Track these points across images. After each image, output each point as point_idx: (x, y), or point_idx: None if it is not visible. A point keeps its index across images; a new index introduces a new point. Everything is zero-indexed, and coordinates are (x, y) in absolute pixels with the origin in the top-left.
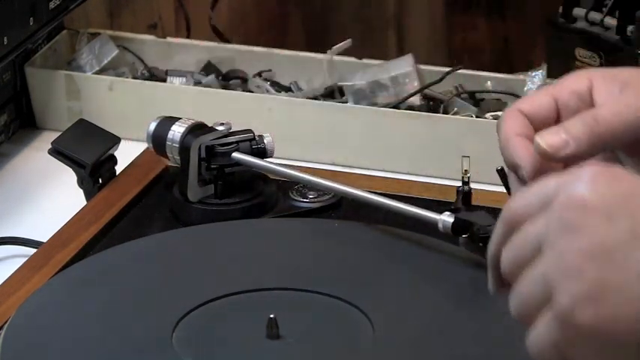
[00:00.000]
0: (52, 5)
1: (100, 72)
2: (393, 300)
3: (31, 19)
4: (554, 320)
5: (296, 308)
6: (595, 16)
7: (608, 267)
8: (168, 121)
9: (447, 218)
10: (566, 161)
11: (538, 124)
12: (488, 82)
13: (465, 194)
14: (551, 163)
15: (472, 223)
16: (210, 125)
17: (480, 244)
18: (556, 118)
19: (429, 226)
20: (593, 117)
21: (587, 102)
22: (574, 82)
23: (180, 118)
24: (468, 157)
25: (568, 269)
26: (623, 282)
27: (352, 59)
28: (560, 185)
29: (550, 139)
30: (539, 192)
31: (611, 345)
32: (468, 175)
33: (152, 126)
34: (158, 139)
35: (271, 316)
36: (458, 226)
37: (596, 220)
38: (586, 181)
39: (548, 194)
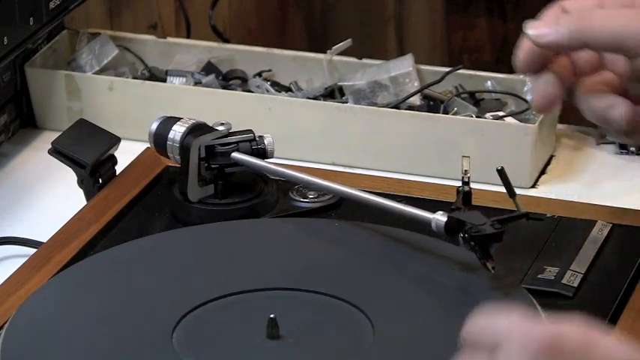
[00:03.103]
0: (52, 5)
1: (100, 72)
2: (393, 300)
3: (31, 19)
4: None
5: (296, 308)
6: None
7: None
8: (169, 121)
9: (440, 217)
10: (553, 50)
11: None
12: (488, 82)
13: (465, 194)
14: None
15: (464, 222)
16: (210, 125)
17: (472, 243)
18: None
19: (429, 227)
20: (586, 13)
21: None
22: None
23: (182, 118)
24: (468, 157)
25: None
26: None
27: (352, 59)
28: (508, 336)
29: (539, 26)
30: (490, 330)
31: None
32: (468, 175)
33: (154, 125)
34: (159, 139)
35: (271, 316)
36: (451, 226)
37: None
38: (530, 353)
39: (497, 337)
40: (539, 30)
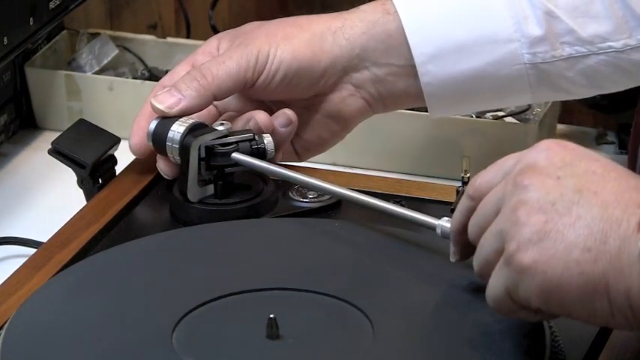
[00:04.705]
0: (52, 5)
1: (100, 72)
2: (393, 300)
3: (31, 19)
4: (503, 265)
5: (296, 308)
6: None
7: (552, 215)
8: (168, 121)
9: (445, 224)
10: (183, 114)
11: None
12: None
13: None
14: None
15: None
16: (210, 125)
17: None
18: None
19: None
20: (201, 72)
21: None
22: (206, 44)
23: (180, 117)
24: (468, 157)
25: (517, 219)
26: (563, 228)
27: None
28: (518, 159)
29: (164, 99)
30: (500, 168)
31: (549, 286)
32: (468, 175)
33: (152, 125)
34: (158, 139)
35: (271, 316)
36: None
37: (545, 179)
38: (540, 150)
39: (507, 169)
40: (167, 101)
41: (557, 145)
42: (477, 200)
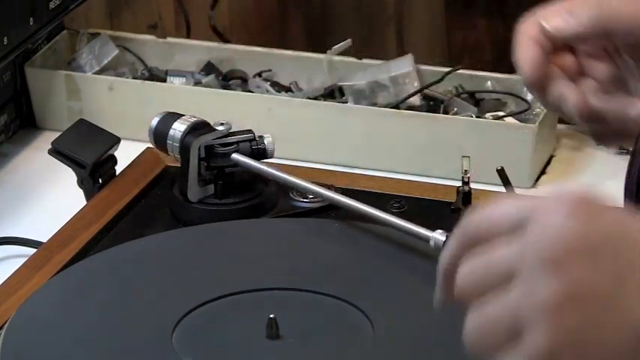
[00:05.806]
0: (52, 5)
1: (100, 72)
2: (393, 300)
3: (31, 19)
4: (520, 357)
5: (296, 308)
6: None
7: (590, 315)
8: (170, 118)
9: (439, 236)
10: (570, 42)
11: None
12: (488, 82)
13: (465, 194)
14: (550, 63)
15: None
16: (210, 124)
17: None
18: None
19: (430, 226)
20: (599, 3)
21: None
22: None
23: (182, 115)
24: (468, 157)
25: (546, 311)
26: (604, 334)
27: (352, 59)
28: (534, 211)
29: (554, 20)
30: (509, 212)
31: None
32: (468, 175)
33: (154, 122)
34: (159, 137)
35: (271, 316)
36: None
37: (578, 262)
38: (564, 215)
39: (520, 217)
40: (556, 23)
41: (584, 211)
42: (474, 241)
